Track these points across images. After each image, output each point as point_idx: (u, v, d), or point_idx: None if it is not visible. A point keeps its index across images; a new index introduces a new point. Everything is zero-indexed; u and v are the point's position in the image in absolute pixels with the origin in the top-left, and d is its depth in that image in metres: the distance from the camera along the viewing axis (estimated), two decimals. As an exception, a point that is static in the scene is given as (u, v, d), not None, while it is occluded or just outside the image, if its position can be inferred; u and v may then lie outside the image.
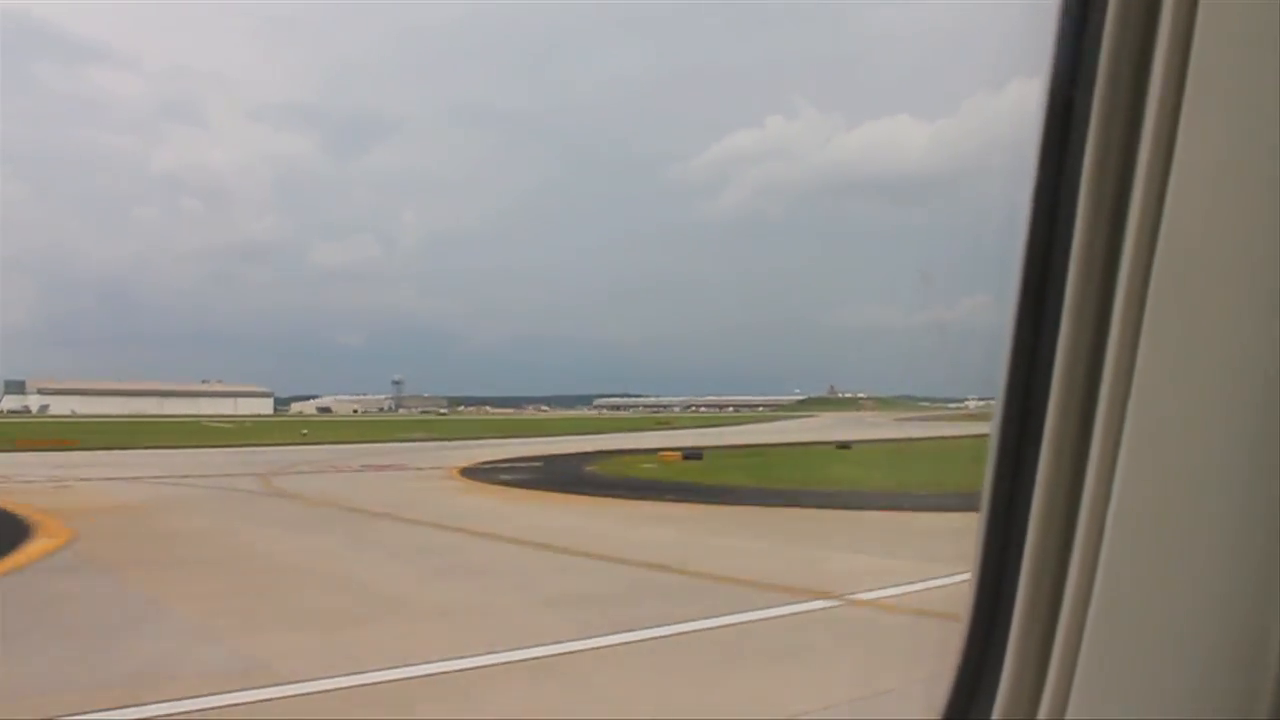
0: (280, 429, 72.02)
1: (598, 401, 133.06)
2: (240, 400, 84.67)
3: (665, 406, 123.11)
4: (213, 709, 6.67)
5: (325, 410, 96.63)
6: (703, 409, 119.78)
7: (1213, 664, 0.99)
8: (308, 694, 6.95)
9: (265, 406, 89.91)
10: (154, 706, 6.63)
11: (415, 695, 7.06)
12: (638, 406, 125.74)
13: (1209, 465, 0.99)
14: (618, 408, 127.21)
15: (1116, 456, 1.07)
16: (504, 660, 7.77)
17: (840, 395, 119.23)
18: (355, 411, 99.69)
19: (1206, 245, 1.01)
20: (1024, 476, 1.19)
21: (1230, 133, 0.99)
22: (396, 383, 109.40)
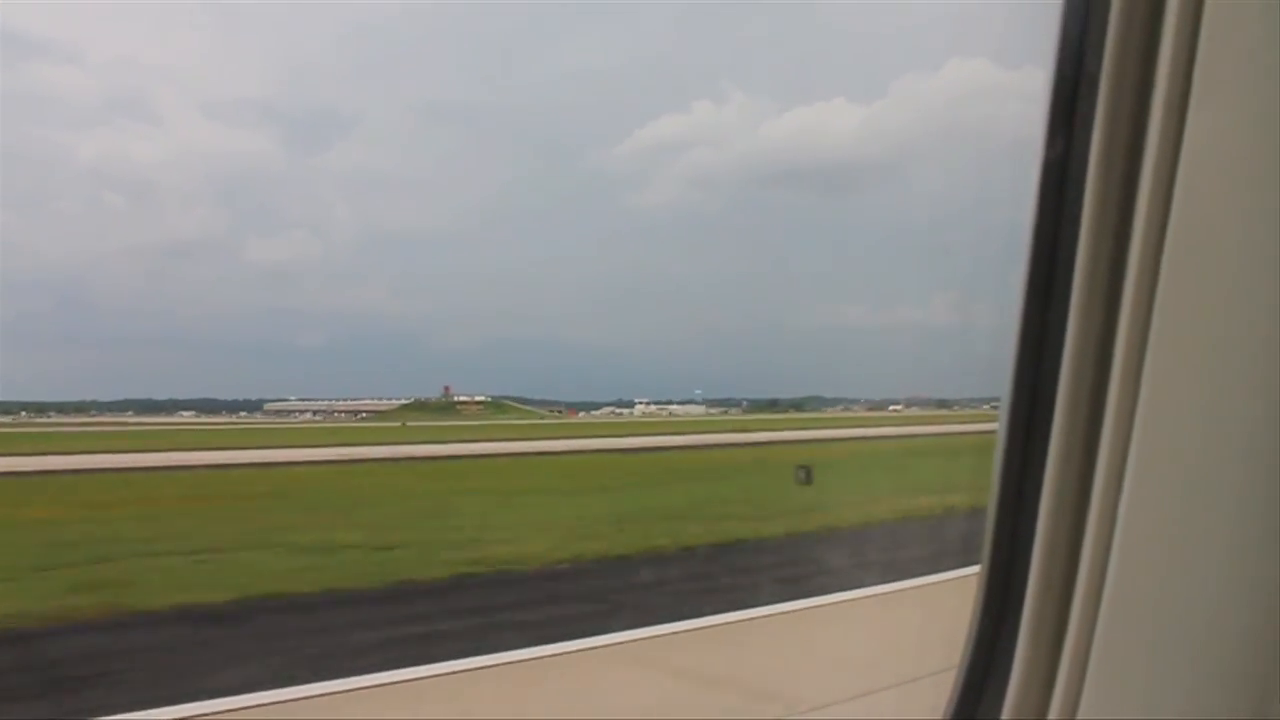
0: None
1: (268, 406, 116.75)
2: None
3: (333, 412, 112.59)
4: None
5: None
6: (340, 414, 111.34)
7: (1225, 663, 0.96)
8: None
9: None
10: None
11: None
12: (304, 412, 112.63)
13: (1221, 462, 0.97)
14: (284, 412, 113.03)
15: (1126, 454, 1.04)
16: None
17: (455, 399, 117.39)
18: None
19: (1216, 237, 0.98)
20: (1032, 474, 1.15)
21: (1238, 122, 0.97)
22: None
